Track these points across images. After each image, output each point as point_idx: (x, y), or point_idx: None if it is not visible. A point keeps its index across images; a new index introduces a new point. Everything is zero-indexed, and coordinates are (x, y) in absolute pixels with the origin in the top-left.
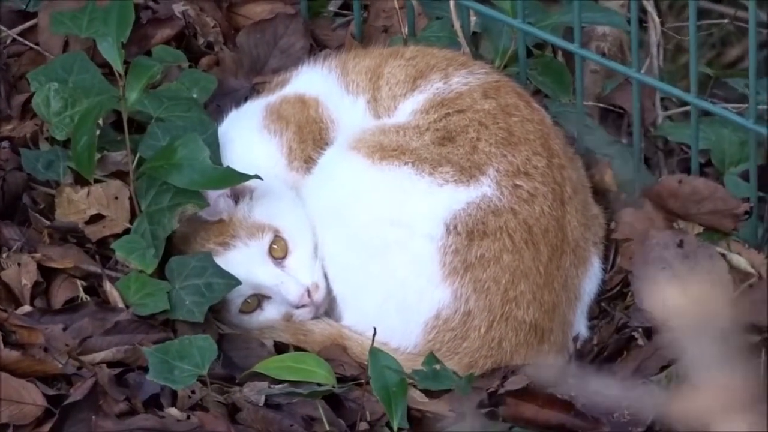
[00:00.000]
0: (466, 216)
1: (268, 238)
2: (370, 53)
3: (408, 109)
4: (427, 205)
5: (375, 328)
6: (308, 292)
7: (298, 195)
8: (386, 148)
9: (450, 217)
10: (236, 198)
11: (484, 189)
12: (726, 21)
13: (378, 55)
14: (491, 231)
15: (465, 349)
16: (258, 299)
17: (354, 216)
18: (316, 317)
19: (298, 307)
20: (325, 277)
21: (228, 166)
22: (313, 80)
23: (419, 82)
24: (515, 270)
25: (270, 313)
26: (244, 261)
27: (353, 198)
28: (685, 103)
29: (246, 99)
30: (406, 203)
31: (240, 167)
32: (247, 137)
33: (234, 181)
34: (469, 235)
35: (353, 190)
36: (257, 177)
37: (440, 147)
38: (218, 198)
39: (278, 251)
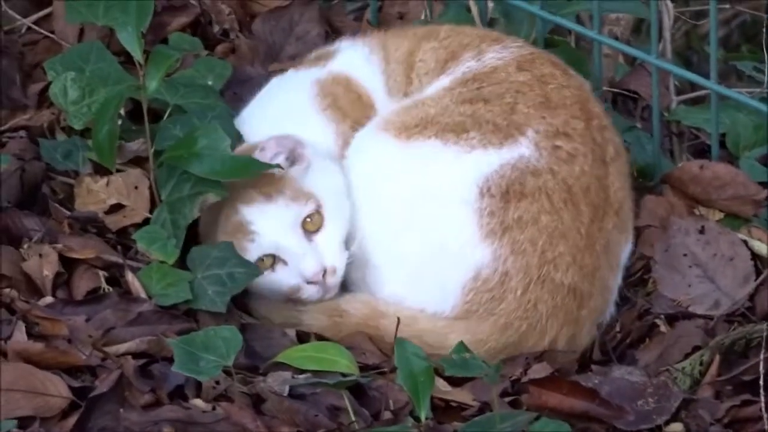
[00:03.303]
0: (499, 178)
1: (308, 208)
2: (407, 34)
3: (438, 86)
4: (457, 171)
5: (399, 318)
6: (325, 271)
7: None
8: (409, 126)
9: (482, 180)
10: (293, 161)
11: (521, 150)
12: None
13: (413, 36)
14: (529, 192)
15: (501, 310)
16: (273, 260)
17: (388, 193)
18: (321, 300)
19: (309, 282)
20: (346, 267)
21: (249, 156)
22: (359, 63)
23: (450, 64)
24: (553, 231)
25: (279, 277)
26: (279, 219)
27: (387, 176)
28: (699, 87)
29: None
30: (436, 173)
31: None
32: (302, 114)
33: (255, 170)
34: (504, 197)
35: (386, 169)
36: (278, 167)
37: (468, 106)
38: (275, 155)
39: (312, 225)
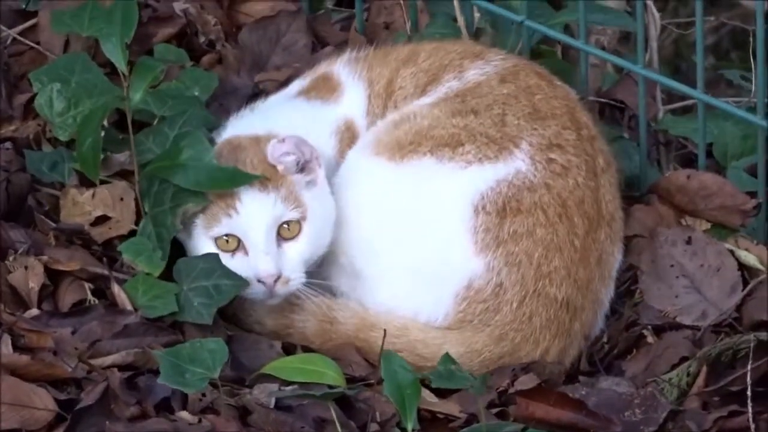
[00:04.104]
0: (495, 195)
1: (292, 215)
2: (389, 61)
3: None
4: (452, 191)
5: (385, 330)
6: (277, 279)
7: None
8: (403, 144)
9: (477, 198)
10: (302, 169)
11: (517, 164)
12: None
13: (394, 61)
14: (526, 208)
15: (497, 321)
16: (238, 245)
17: (383, 211)
18: (262, 302)
19: (259, 281)
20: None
21: (235, 167)
22: (358, 104)
23: (431, 87)
24: (549, 244)
25: (235, 264)
26: (262, 210)
27: (382, 200)
28: (686, 97)
29: (251, 97)
30: (431, 194)
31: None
32: (319, 137)
33: (240, 181)
34: (500, 213)
35: (381, 194)
36: (263, 177)
37: (459, 118)
38: (288, 155)
39: (287, 232)
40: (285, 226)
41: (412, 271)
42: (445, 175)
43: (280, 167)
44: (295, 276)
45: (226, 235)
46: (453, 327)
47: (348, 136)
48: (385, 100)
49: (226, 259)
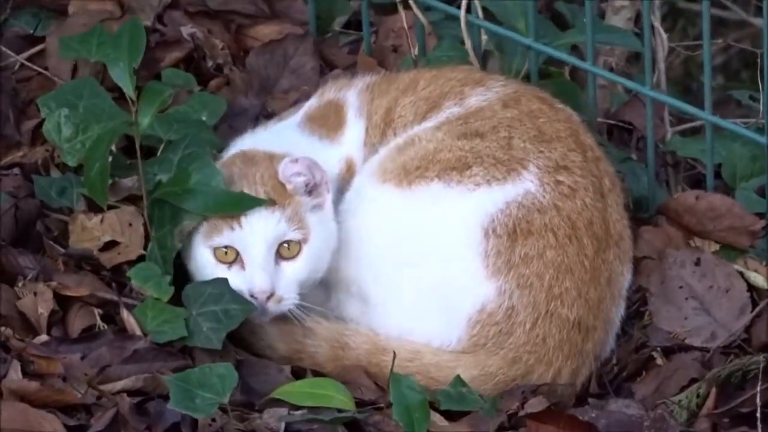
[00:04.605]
0: (506, 217)
1: (294, 235)
2: (390, 90)
3: (420, 128)
4: (461, 215)
5: (395, 353)
6: (270, 296)
7: None
8: (410, 169)
9: (487, 222)
10: (310, 192)
11: (526, 185)
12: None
13: (395, 90)
14: (536, 229)
15: (510, 344)
16: (235, 257)
17: (392, 238)
18: (252, 318)
19: (251, 296)
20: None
21: (242, 192)
22: (357, 142)
23: (431, 113)
24: (560, 266)
25: (230, 276)
26: (265, 227)
27: (391, 226)
28: (694, 118)
29: (257, 119)
30: (440, 219)
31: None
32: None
33: (248, 206)
34: (511, 236)
35: (391, 221)
36: (270, 201)
37: (465, 141)
38: (299, 175)
39: (287, 252)
40: (285, 245)
41: (424, 298)
42: (454, 199)
43: (289, 186)
44: (289, 296)
45: (226, 247)
46: (467, 351)
47: (348, 177)
48: (384, 129)
49: (221, 270)
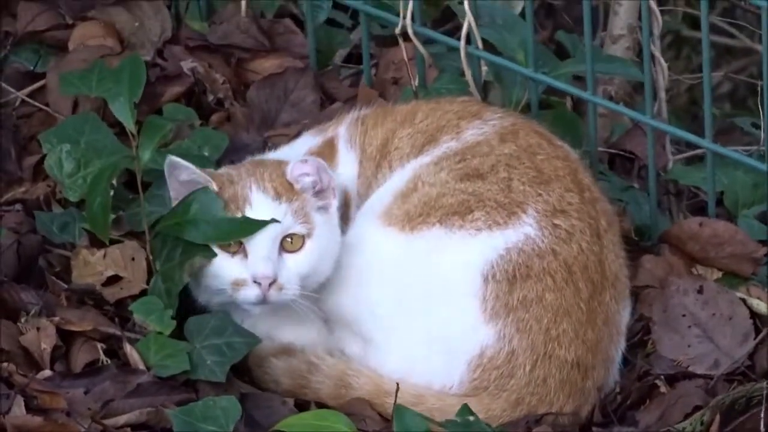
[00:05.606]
0: (506, 263)
1: (299, 228)
2: (386, 122)
3: (418, 164)
4: (461, 259)
5: (398, 384)
6: (272, 283)
7: None
8: (412, 216)
9: (487, 268)
10: (317, 193)
11: (526, 229)
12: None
13: (391, 122)
14: (535, 273)
15: (512, 386)
16: (239, 246)
17: (392, 280)
18: (253, 306)
19: (254, 281)
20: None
21: (245, 216)
22: (351, 174)
23: (428, 147)
24: (557, 309)
25: (233, 264)
26: (273, 216)
27: (392, 268)
28: (695, 146)
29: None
30: (440, 264)
31: None
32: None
33: (249, 230)
34: (510, 281)
35: (392, 263)
36: (275, 221)
37: (467, 183)
38: (307, 175)
39: (290, 245)
40: (289, 239)
41: (424, 341)
42: (455, 244)
43: (297, 186)
44: (290, 286)
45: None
46: (469, 394)
47: (344, 209)
48: (379, 161)
49: (224, 258)
